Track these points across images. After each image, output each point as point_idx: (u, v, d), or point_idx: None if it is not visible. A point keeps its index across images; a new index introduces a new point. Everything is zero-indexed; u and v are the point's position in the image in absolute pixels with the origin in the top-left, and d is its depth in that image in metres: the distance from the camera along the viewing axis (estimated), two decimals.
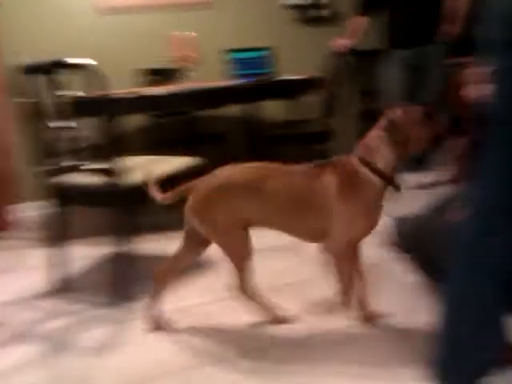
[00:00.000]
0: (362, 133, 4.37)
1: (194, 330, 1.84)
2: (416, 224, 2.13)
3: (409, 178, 3.32)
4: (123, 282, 2.11)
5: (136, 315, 1.97)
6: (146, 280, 2.18)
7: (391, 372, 1.53)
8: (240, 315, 1.90)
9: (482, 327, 1.30)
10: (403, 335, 1.71)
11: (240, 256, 1.69)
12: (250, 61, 3.18)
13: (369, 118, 4.23)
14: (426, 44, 3.27)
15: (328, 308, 1.92)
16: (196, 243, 1.78)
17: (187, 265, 1.85)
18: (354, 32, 3.46)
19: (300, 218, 1.64)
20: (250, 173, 1.67)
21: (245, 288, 1.73)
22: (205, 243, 1.78)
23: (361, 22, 3.43)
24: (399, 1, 3.27)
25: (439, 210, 2.05)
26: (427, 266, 2.03)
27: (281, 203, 1.63)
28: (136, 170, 2.09)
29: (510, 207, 1.19)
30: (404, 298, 1.95)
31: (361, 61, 4.32)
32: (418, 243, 2.07)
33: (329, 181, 1.61)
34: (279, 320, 1.81)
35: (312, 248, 2.54)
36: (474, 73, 1.30)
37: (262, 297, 1.83)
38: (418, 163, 3.52)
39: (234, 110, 3.91)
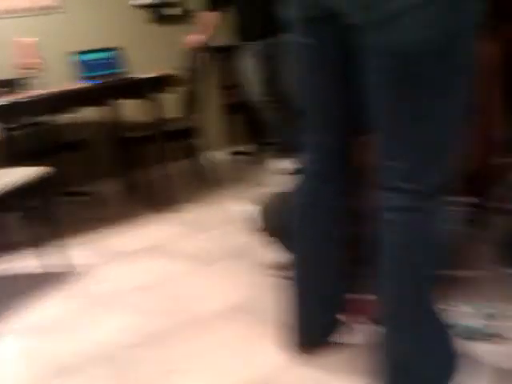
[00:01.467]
0: (229, 126, 4.47)
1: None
2: (276, 206, 2.20)
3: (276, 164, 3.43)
4: None
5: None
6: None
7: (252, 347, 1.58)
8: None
9: (323, 288, 1.38)
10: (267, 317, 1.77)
11: None
12: (99, 62, 3.09)
13: (233, 112, 4.35)
14: (277, 35, 3.38)
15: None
16: None
17: None
18: (206, 27, 3.50)
19: None
20: None
21: None
22: None
23: (211, 18, 3.47)
24: None
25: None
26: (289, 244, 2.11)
27: None
28: None
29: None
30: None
31: (221, 56, 4.40)
32: (279, 224, 2.14)
33: None
34: None
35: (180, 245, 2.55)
36: None
37: None
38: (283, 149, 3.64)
39: (93, 114, 3.79)
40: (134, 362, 1.60)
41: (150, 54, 4.07)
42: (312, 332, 1.44)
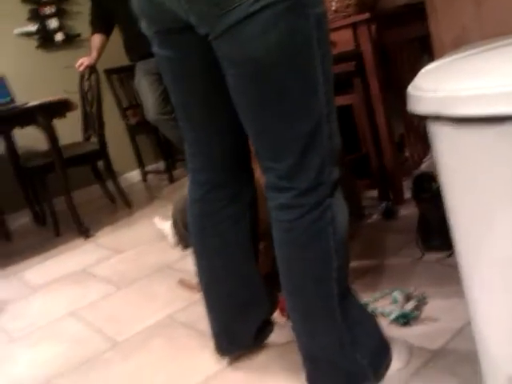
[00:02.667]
0: (135, 146, 4.39)
1: None
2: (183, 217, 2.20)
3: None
4: None
5: None
6: None
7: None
8: None
9: (238, 293, 1.36)
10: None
11: None
12: None
13: (138, 132, 4.29)
14: None
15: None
16: None
17: None
18: (96, 50, 3.43)
19: None
20: None
21: None
22: None
23: (99, 40, 3.41)
24: (123, 16, 3.18)
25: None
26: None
27: None
28: None
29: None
30: None
31: (119, 77, 4.32)
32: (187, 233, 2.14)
33: None
34: None
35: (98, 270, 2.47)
36: None
37: None
38: None
39: None
40: None
41: (41, 80, 3.92)
42: (239, 337, 1.41)
